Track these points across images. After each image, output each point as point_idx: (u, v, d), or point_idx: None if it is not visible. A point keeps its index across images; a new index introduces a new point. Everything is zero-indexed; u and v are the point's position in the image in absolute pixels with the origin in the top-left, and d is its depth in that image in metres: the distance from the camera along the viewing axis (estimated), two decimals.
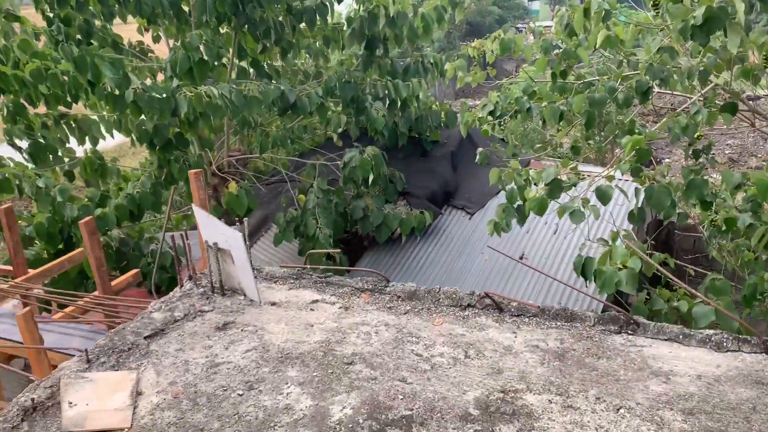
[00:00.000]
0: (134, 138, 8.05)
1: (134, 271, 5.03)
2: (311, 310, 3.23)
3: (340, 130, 10.03)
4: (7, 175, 8.15)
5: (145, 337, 3.01)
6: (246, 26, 8.23)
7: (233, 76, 8.74)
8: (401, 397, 2.48)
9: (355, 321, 3.06)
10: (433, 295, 3.20)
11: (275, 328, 3.06)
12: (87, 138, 8.86)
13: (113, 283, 4.76)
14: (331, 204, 8.36)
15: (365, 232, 8.65)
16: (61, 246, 7.91)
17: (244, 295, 3.36)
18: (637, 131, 5.22)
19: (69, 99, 8.07)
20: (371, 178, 8.11)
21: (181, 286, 3.48)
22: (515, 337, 2.90)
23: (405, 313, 3.11)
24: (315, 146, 10.62)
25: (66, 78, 7.33)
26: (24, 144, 8.71)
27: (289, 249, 8.90)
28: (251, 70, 9.09)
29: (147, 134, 7.59)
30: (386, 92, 8.65)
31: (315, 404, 2.47)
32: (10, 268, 5.27)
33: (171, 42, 9.21)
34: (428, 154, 10.08)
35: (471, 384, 2.56)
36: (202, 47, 7.35)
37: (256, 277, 3.57)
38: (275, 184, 10.08)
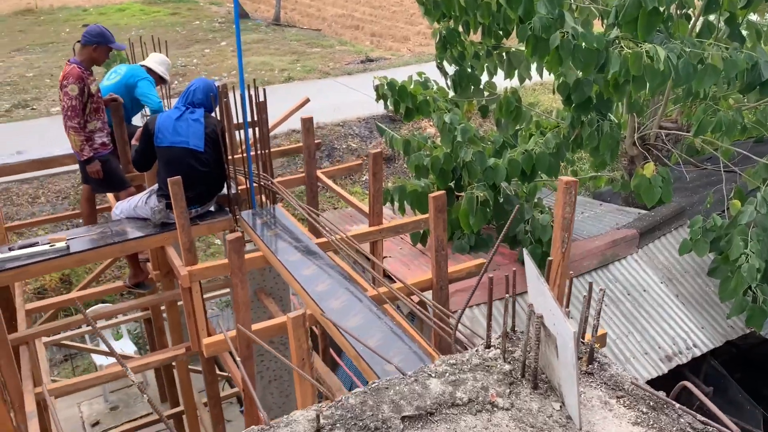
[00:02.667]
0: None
1: (478, 261, 4.21)
2: None
3: None
4: (428, 98, 8.12)
5: (403, 417, 2.15)
6: None
7: (694, 33, 6.90)
8: None
9: None
10: None
11: None
12: (516, 73, 8.27)
13: (451, 270, 4.03)
14: None
15: None
16: (451, 184, 7.65)
17: (562, 403, 2.19)
18: None
19: (500, 32, 7.50)
20: None
21: (488, 345, 2.49)
22: None
23: None
24: None
25: (499, 9, 6.65)
26: (451, 70, 8.56)
27: (697, 263, 7.03)
28: (723, 27, 7.06)
29: (566, 87, 6.53)
30: None
31: None
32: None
33: None
34: None
35: None
36: None
37: (590, 373, 2.36)
38: (707, 172, 8.05)
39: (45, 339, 7.66)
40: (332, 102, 17.03)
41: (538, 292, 2.18)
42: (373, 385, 2.30)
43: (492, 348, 2.55)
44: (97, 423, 7.98)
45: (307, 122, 5.37)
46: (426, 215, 4.82)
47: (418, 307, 3.40)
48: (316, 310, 3.72)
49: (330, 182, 5.57)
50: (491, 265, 7.09)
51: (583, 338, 2.49)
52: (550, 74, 7.10)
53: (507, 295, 2.49)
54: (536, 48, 5.95)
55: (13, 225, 6.42)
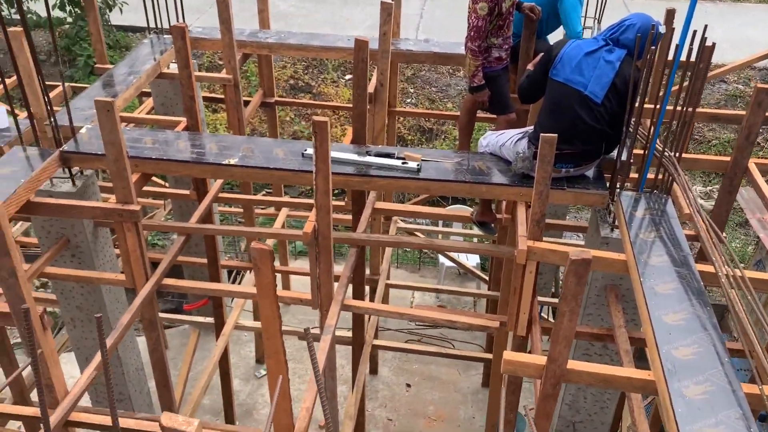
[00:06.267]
0: None
1: None
2: None
3: None
4: None
5: None
6: None
7: None
8: None
9: None
10: None
11: None
12: None
13: None
14: None
15: None
16: None
17: None
18: None
19: None
20: None
21: None
22: None
23: None
24: None
25: None
26: None
27: None
28: None
29: None
30: None
31: None
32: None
33: None
34: None
35: None
36: None
37: None
38: None
39: (400, 224, 7.90)
40: None
41: None
42: None
43: None
44: None
45: (762, 94, 3.77)
46: None
47: None
48: (661, 382, 2.60)
49: (762, 182, 3.96)
50: None
51: None
52: None
53: None
54: None
55: (398, 110, 6.33)
